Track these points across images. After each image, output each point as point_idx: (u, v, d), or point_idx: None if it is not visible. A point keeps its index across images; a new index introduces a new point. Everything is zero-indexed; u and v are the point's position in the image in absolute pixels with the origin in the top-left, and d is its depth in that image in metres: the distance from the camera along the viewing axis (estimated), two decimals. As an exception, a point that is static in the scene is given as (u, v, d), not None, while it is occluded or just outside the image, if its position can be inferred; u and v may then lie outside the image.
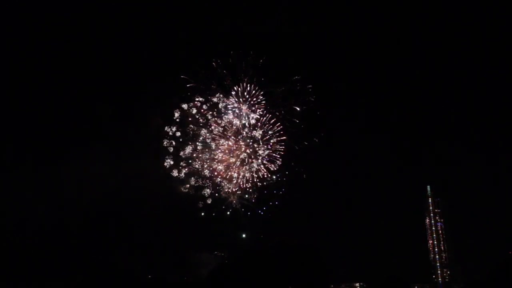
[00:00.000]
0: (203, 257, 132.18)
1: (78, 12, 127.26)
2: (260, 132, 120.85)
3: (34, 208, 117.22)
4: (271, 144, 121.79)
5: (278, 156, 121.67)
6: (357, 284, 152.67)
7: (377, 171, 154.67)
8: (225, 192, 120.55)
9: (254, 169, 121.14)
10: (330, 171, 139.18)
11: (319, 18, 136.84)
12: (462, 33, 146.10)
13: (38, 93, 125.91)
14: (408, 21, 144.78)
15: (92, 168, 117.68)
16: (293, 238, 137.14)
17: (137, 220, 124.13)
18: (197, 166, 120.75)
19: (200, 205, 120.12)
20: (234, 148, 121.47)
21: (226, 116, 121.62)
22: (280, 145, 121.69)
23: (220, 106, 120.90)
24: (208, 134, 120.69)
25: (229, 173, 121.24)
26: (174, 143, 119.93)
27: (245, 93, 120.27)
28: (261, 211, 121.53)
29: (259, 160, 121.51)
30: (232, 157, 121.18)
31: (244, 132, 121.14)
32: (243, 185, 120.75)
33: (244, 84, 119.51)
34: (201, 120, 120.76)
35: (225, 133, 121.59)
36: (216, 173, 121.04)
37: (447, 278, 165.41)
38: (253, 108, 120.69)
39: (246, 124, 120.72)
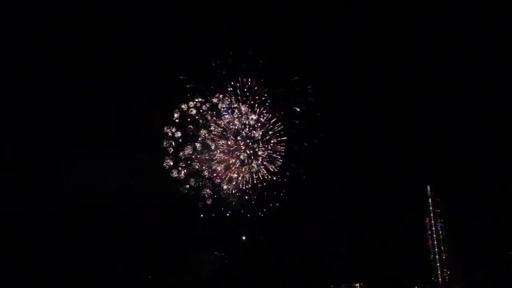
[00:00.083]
0: (203, 257, 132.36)
1: (78, 12, 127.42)
2: (260, 133, 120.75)
3: (34, 208, 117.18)
4: (271, 144, 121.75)
5: (279, 157, 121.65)
6: (357, 284, 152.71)
7: (377, 171, 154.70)
8: (225, 193, 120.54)
9: (254, 170, 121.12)
10: (330, 172, 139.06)
11: (319, 18, 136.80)
12: (462, 33, 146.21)
13: (38, 93, 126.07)
14: (408, 21, 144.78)
15: (92, 168, 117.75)
16: (293, 239, 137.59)
17: (137, 220, 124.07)
18: (196, 166, 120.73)
19: (200, 206, 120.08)
20: (234, 148, 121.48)
21: (226, 116, 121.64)
22: (280, 146, 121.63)
23: (219, 107, 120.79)
24: (207, 135, 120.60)
25: (229, 174, 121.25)
26: (173, 143, 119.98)
27: (245, 93, 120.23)
28: (261, 213, 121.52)
29: (259, 161, 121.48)
30: (232, 157, 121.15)
31: (244, 133, 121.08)
32: (242, 186, 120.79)
33: (244, 84, 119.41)
34: (200, 120, 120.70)
35: (224, 133, 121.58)
36: (215, 174, 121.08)
37: (447, 278, 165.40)
38: (253, 108, 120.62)
39: (246, 124, 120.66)
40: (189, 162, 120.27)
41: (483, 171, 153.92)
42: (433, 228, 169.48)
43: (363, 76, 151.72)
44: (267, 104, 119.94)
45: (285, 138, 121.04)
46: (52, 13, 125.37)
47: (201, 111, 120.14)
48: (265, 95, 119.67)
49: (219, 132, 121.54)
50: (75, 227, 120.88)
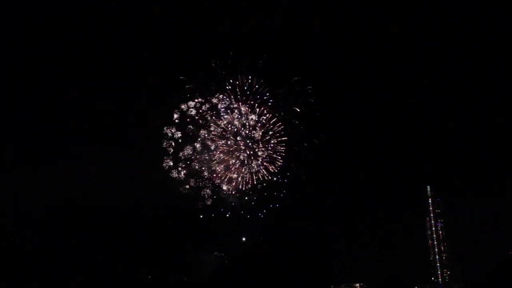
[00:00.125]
0: (203, 257, 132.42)
1: (78, 12, 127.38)
2: (260, 133, 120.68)
3: (34, 208, 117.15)
4: (271, 144, 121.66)
5: (279, 157, 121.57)
6: (357, 284, 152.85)
7: (377, 172, 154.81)
8: (224, 194, 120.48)
9: (253, 170, 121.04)
10: (330, 172, 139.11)
11: (319, 18, 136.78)
12: (462, 33, 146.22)
13: (39, 93, 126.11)
14: (408, 21, 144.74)
15: (92, 169, 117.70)
16: (293, 239, 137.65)
17: (137, 220, 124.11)
18: (196, 167, 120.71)
19: (200, 206, 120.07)
20: (233, 149, 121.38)
21: (226, 116, 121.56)
22: (280, 146, 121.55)
23: (219, 107, 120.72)
24: (207, 135, 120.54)
25: (228, 174, 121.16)
26: (173, 144, 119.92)
27: (244, 93, 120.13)
28: (261, 214, 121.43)
29: (259, 161, 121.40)
30: (232, 158, 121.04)
31: (244, 133, 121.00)
32: (242, 187, 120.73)
33: (244, 84, 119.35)
34: (200, 121, 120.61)
35: (224, 133, 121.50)
36: (215, 175, 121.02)
37: (447, 278, 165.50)
38: (253, 108, 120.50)
39: (246, 125, 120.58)
40: (188, 162, 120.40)
41: (483, 171, 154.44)
42: (433, 228, 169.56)
43: (363, 76, 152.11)
44: (267, 104, 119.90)
45: (285, 138, 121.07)
46: (52, 13, 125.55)
47: (200, 111, 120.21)
48: (266, 95, 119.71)
49: (219, 133, 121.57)
50: (75, 227, 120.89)
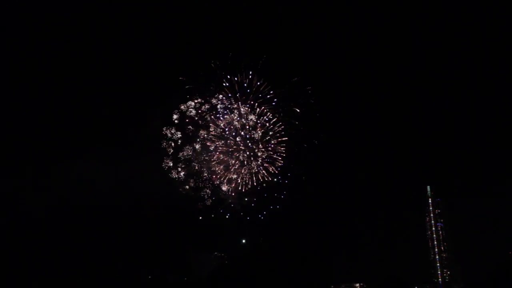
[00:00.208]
0: (203, 257, 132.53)
1: (78, 12, 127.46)
2: (260, 133, 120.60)
3: (34, 208, 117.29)
4: (271, 144, 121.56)
5: (279, 158, 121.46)
6: (357, 284, 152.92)
7: (377, 172, 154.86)
8: (224, 194, 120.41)
9: (253, 171, 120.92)
10: (330, 172, 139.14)
11: (319, 18, 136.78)
12: (462, 33, 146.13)
13: (39, 93, 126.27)
14: (408, 21, 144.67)
15: (92, 169, 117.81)
16: (293, 239, 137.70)
17: (137, 221, 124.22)
18: (196, 167, 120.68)
19: (200, 206, 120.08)
20: (233, 149, 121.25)
21: (226, 116, 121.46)
22: (280, 147, 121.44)
23: (219, 107, 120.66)
24: (207, 136, 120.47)
25: (228, 175, 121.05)
26: (173, 144, 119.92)
27: (244, 94, 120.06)
28: (261, 216, 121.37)
29: (259, 162, 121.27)
30: (231, 158, 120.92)
31: (243, 133, 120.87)
32: (242, 188, 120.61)
33: (243, 84, 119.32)
34: (200, 121, 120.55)
35: (223, 134, 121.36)
36: (214, 176, 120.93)
37: (447, 278, 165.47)
38: (253, 108, 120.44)
39: (246, 125, 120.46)
40: (188, 163, 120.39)
41: (483, 172, 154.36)
42: (433, 228, 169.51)
43: (363, 76, 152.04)
44: (267, 104, 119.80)
45: (285, 138, 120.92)
46: (52, 13, 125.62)
47: (199, 111, 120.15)
48: (266, 95, 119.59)
49: (218, 133, 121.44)
50: (75, 227, 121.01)
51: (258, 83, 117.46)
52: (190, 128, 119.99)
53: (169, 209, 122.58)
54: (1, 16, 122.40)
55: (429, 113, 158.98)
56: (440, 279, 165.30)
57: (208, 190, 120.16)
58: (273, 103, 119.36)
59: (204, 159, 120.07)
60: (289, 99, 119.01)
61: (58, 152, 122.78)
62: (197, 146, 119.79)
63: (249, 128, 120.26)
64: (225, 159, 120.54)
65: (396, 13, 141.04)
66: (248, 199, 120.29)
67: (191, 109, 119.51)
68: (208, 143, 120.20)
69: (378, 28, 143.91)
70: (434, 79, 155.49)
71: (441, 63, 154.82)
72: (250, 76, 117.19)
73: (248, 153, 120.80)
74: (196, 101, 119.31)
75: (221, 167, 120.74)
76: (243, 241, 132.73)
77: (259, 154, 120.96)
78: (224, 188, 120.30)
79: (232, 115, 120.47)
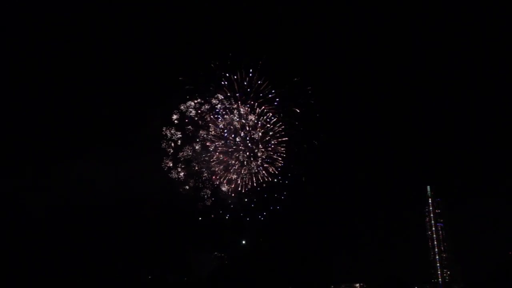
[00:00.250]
0: (203, 257, 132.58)
1: (78, 12, 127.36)
2: (260, 134, 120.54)
3: (34, 208, 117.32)
4: (271, 144, 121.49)
5: (279, 158, 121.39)
6: (357, 284, 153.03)
7: (377, 172, 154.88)
8: (224, 195, 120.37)
9: (253, 171, 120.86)
10: (330, 172, 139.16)
11: (319, 18, 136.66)
12: (462, 33, 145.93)
13: (39, 93, 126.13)
14: (408, 21, 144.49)
15: (92, 169, 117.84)
16: (293, 239, 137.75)
17: (137, 221, 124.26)
18: (196, 168, 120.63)
19: (200, 206, 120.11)
20: (233, 149, 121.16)
21: (226, 116, 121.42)
22: (280, 147, 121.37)
23: (219, 107, 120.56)
24: (206, 136, 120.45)
25: (228, 175, 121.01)
26: (173, 144, 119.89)
27: (244, 93, 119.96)
28: (261, 216, 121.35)
29: (259, 162, 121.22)
30: (231, 158, 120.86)
31: (243, 133, 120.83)
32: (241, 188, 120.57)
33: (243, 84, 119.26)
34: (200, 121, 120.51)
35: (223, 134, 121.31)
36: (214, 176, 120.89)
37: (447, 278, 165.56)
38: (253, 108, 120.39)
39: (245, 125, 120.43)
40: (188, 163, 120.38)
41: (483, 172, 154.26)
42: (433, 228, 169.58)
43: (363, 77, 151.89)
44: (267, 104, 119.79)
45: (285, 139, 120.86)
46: (52, 13, 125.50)
47: (199, 112, 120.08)
48: (266, 96, 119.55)
49: (218, 133, 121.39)
50: (75, 227, 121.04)
51: (259, 82, 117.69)
52: (190, 128, 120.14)
53: (169, 209, 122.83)
54: (1, 16, 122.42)
55: (429, 113, 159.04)
56: (440, 279, 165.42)
57: (208, 191, 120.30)
58: (274, 103, 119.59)
59: (204, 160, 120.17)
60: (289, 99, 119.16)
61: (58, 152, 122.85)
62: (197, 147, 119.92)
63: (249, 128, 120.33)
64: (225, 159, 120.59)
65: (396, 13, 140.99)
66: (248, 199, 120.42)
67: (191, 109, 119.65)
68: (208, 143, 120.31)
69: (378, 28, 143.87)
70: (434, 79, 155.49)
71: (441, 63, 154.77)
72: (251, 74, 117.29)
73: (248, 153, 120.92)
74: (196, 101, 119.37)
75: (221, 167, 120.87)
76: (243, 242, 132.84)
77: (259, 154, 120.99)
78: (224, 188, 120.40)
79: (232, 115, 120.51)
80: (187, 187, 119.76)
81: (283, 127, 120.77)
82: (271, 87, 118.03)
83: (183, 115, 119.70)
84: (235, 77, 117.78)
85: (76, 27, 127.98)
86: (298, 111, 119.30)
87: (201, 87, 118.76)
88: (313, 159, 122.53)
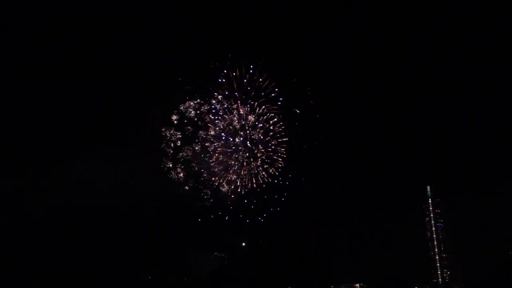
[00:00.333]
0: (203, 257, 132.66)
1: (78, 12, 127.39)
2: (259, 134, 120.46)
3: (34, 208, 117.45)
4: (271, 145, 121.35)
5: (280, 159, 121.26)
6: (357, 284, 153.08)
7: (377, 172, 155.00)
8: (224, 195, 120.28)
9: (253, 172, 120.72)
10: (329, 173, 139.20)
11: (319, 18, 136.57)
12: (462, 33, 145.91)
13: (39, 93, 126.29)
14: (408, 21, 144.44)
15: (92, 169, 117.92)
16: (293, 239, 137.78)
17: (137, 221, 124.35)
18: (195, 168, 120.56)
19: (200, 207, 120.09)
20: (232, 150, 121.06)
21: (226, 117, 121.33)
22: (280, 148, 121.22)
23: (218, 108, 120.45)
24: (206, 136, 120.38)
25: (228, 176, 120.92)
26: (172, 145, 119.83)
27: (245, 93, 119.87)
28: (261, 218, 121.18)
29: (258, 162, 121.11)
30: (231, 159, 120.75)
31: (243, 134, 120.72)
32: (241, 189, 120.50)
33: (243, 85, 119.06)
34: (199, 122, 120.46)
35: (223, 134, 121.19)
36: (213, 177, 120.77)
37: (447, 278, 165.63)
38: (253, 108, 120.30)
39: (245, 125, 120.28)
40: (187, 163, 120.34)
41: (483, 172, 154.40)
42: (433, 228, 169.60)
43: (363, 77, 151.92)
44: (267, 105, 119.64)
45: (285, 139, 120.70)
46: (52, 13, 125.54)
47: (198, 112, 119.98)
48: (266, 96, 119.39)
49: (218, 134, 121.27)
50: (75, 227, 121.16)
51: (260, 80, 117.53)
52: (189, 129, 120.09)
53: (169, 209, 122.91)
54: (1, 16, 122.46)
55: (429, 113, 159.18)
56: (440, 279, 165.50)
57: (207, 191, 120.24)
58: (274, 104, 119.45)
59: (204, 160, 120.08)
60: (289, 99, 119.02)
61: (58, 152, 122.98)
62: (197, 147, 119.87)
63: (248, 128, 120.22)
64: (225, 160, 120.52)
65: (396, 13, 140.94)
66: (247, 200, 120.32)
67: (190, 110, 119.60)
68: (207, 144, 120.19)
69: (378, 28, 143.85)
70: (434, 79, 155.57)
71: (441, 63, 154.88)
72: (251, 71, 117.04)
73: (247, 154, 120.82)
74: (195, 101, 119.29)
75: (221, 168, 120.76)
76: (243, 244, 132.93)
77: (259, 155, 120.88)
78: (224, 189, 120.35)
79: (232, 115, 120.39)
80: (186, 187, 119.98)
81: (283, 127, 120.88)
82: (271, 87, 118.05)
83: (182, 115, 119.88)
84: (234, 74, 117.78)
85: (76, 27, 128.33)
86: (298, 111, 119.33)
87: (201, 88, 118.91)
88: (313, 160, 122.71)
